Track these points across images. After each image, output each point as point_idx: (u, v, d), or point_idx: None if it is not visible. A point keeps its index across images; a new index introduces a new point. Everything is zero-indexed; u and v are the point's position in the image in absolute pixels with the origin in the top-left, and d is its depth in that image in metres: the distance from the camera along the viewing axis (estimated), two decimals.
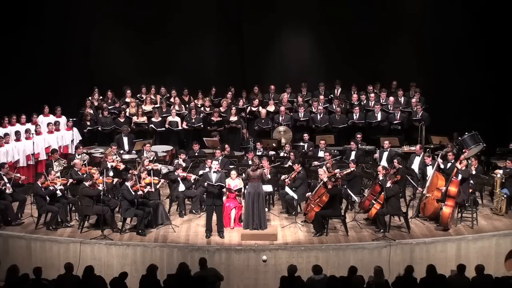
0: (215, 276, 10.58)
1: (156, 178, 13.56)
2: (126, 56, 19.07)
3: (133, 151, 16.00)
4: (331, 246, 12.16)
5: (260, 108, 17.78)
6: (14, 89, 17.84)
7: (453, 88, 18.20)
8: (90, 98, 17.84)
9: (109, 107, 17.59)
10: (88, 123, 17.15)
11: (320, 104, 17.54)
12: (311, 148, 16.08)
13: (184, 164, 14.09)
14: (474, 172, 13.94)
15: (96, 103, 17.90)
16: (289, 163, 14.51)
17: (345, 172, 13.69)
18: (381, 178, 12.95)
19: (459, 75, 18.18)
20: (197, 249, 12.10)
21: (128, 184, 12.74)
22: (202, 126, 17.11)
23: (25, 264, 11.60)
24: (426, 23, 18.67)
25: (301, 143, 16.31)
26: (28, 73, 18.13)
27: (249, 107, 17.79)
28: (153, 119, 17.09)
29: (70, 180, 13.84)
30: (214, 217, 12.55)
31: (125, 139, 16.35)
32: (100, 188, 12.67)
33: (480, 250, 12.40)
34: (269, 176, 13.34)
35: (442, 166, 13.81)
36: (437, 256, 12.17)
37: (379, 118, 17.01)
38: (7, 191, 13.25)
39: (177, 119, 17.18)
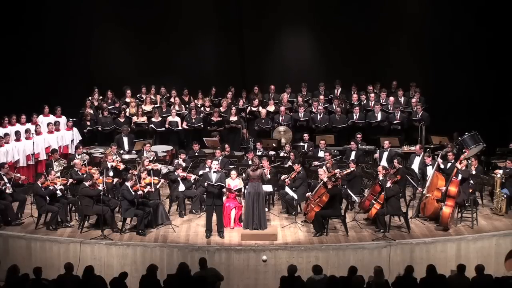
0: (215, 276, 10.58)
1: (156, 178, 13.56)
2: (126, 56, 19.06)
3: (133, 151, 16.00)
4: (331, 246, 12.16)
5: (260, 108, 17.78)
6: (14, 89, 17.88)
7: (453, 88, 18.20)
8: (90, 98, 17.84)
9: (109, 107, 17.59)
10: (88, 123, 17.15)
11: (320, 104, 17.54)
12: (311, 148, 16.08)
13: (184, 164, 14.09)
14: (474, 172, 13.94)
15: (96, 103, 17.90)
16: (289, 163, 14.51)
17: (345, 172, 13.69)
18: (381, 178, 12.95)
19: (459, 75, 18.18)
20: (197, 249, 12.10)
21: (128, 184, 12.74)
22: (202, 126, 17.11)
23: (25, 264, 11.60)
24: (426, 23, 18.67)
25: (301, 143, 16.31)
26: (28, 73, 18.16)
27: (249, 107, 17.79)
28: (153, 119, 17.09)
29: (70, 180, 13.84)
30: (214, 217, 12.55)
31: (125, 139, 16.35)
32: (100, 188, 12.67)
33: (480, 250, 12.40)
34: (269, 176, 13.34)
35: (442, 166, 13.81)
36: (437, 256, 12.17)
37: (379, 118, 17.01)
38: (7, 191, 13.25)
39: (177, 119, 17.18)
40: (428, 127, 16.56)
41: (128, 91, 18.18)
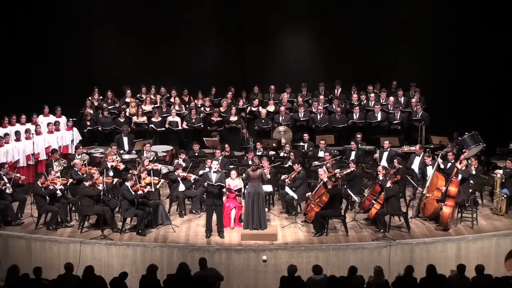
0: (215, 276, 10.58)
1: (156, 178, 13.56)
2: (126, 56, 19.05)
3: (133, 151, 16.00)
4: (331, 246, 12.16)
5: (260, 108, 17.78)
6: (14, 89, 17.87)
7: (453, 88, 18.21)
8: (90, 98, 17.83)
9: (109, 107, 17.59)
10: (88, 123, 17.15)
11: (320, 104, 17.54)
12: (311, 148, 16.08)
13: (184, 164, 14.09)
14: (474, 172, 13.95)
15: (96, 103, 17.90)
16: (289, 163, 14.51)
17: (345, 172, 13.69)
18: (381, 178, 12.95)
19: (459, 75, 18.18)
20: (197, 249, 12.10)
21: (128, 184, 12.74)
22: (202, 126, 17.11)
23: (25, 264, 11.60)
24: (426, 23, 18.66)
25: (301, 143, 16.31)
26: (28, 73, 18.17)
27: (249, 107, 17.79)
28: (153, 119, 17.09)
29: (70, 180, 13.84)
30: (214, 217, 12.55)
31: (125, 139, 16.35)
32: (100, 188, 12.67)
33: (480, 250, 12.40)
34: (269, 176, 13.33)
35: (442, 166, 13.82)
36: (437, 256, 12.17)
37: (379, 118, 17.01)
38: (7, 191, 13.24)
39: (177, 119, 17.18)
40: (428, 127, 16.56)
41: (128, 91, 18.18)
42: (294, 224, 13.08)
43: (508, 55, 17.74)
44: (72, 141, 16.81)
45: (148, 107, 17.62)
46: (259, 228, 12.60)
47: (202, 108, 17.76)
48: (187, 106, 17.88)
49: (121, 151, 15.85)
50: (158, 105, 17.94)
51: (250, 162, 14.18)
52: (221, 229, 12.57)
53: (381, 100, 17.77)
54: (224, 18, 19.30)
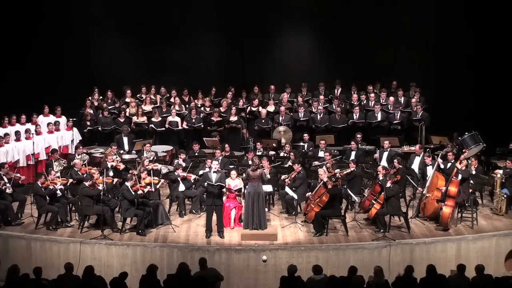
0: (215, 276, 10.58)
1: (156, 178, 13.56)
2: (126, 56, 19.06)
3: (133, 151, 16.00)
4: (331, 246, 12.16)
5: (260, 108, 17.78)
6: (14, 89, 17.86)
7: (453, 88, 18.21)
8: (90, 98, 17.83)
9: (109, 107, 17.59)
10: (88, 123, 17.15)
11: (320, 104, 17.54)
12: (311, 148, 16.08)
13: (184, 164, 14.09)
14: (474, 172, 13.95)
15: (96, 103, 17.90)
16: (289, 163, 14.51)
17: (345, 172, 13.70)
18: (381, 178, 12.95)
19: (459, 75, 18.18)
20: (197, 249, 12.10)
21: (128, 184, 12.74)
22: (202, 126, 17.11)
23: (25, 264, 11.60)
24: (426, 23, 18.66)
25: (301, 143, 16.31)
26: (29, 73, 18.16)
27: (249, 107, 17.78)
28: (153, 119, 17.09)
29: (70, 180, 13.85)
30: (214, 217, 12.55)
31: (125, 139, 16.35)
32: (100, 188, 12.67)
33: (480, 250, 12.40)
34: (269, 176, 13.34)
35: (442, 166, 13.81)
36: (437, 256, 12.17)
37: (379, 118, 17.01)
38: (7, 191, 13.24)
39: (177, 119, 17.18)
40: (428, 127, 16.56)
41: (128, 91, 18.18)
42: (294, 224, 13.08)
43: (508, 55, 17.74)
44: (72, 141, 16.81)
45: (148, 107, 17.62)
46: (259, 228, 12.60)
47: (202, 108, 17.75)
48: (187, 106, 17.88)
49: (121, 151, 15.85)
50: (158, 105, 17.94)
51: (250, 162, 14.18)
52: (221, 229, 12.57)
53: (381, 100, 17.76)
54: (224, 18, 19.29)
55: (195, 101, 18.14)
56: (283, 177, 13.90)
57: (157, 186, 13.52)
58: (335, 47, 19.04)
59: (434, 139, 16.28)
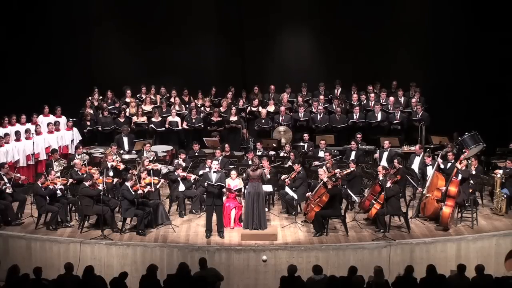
0: (215, 276, 10.57)
1: (156, 178, 13.56)
2: (126, 56, 19.07)
3: (133, 151, 16.00)
4: (331, 246, 12.16)
5: (260, 108, 17.78)
6: (14, 89, 17.86)
7: (453, 88, 18.20)
8: (90, 98, 17.84)
9: (109, 107, 17.59)
10: (88, 123, 17.15)
11: (320, 104, 17.54)
12: (311, 148, 16.08)
13: (184, 164, 14.09)
14: (474, 172, 13.95)
15: (96, 103, 17.90)
16: (289, 163, 14.51)
17: (345, 172, 13.70)
18: (381, 178, 12.95)
19: (459, 75, 18.18)
20: (197, 249, 12.10)
21: (128, 184, 12.74)
22: (202, 126, 17.11)
23: (25, 264, 11.59)
24: (426, 23, 18.66)
25: (301, 143, 16.31)
26: (28, 73, 18.15)
27: (249, 107, 17.79)
28: (153, 119, 17.09)
29: (70, 180, 13.84)
30: (214, 217, 12.55)
31: (125, 139, 16.35)
32: (100, 188, 12.67)
33: (480, 250, 12.40)
34: (269, 176, 13.34)
35: (442, 166, 13.81)
36: (437, 256, 12.17)
37: (379, 118, 17.01)
38: (7, 191, 13.24)
39: (177, 119, 17.18)
40: (428, 127, 16.56)
41: (128, 91, 18.18)
42: (294, 224, 13.08)
43: (508, 55, 17.74)
44: (72, 141, 16.81)
45: (148, 107, 17.62)
46: (259, 228, 12.60)
47: (202, 108, 17.76)
48: (187, 106, 17.88)
49: (121, 151, 15.85)
50: (158, 105, 17.94)
51: (250, 162, 14.18)
52: (221, 229, 12.57)
53: (381, 100, 17.77)
54: (224, 18, 19.29)
55: (195, 101, 18.14)
56: (283, 177, 13.90)
57: (157, 186, 13.52)
58: (335, 47, 19.05)
59: (434, 139, 16.28)
